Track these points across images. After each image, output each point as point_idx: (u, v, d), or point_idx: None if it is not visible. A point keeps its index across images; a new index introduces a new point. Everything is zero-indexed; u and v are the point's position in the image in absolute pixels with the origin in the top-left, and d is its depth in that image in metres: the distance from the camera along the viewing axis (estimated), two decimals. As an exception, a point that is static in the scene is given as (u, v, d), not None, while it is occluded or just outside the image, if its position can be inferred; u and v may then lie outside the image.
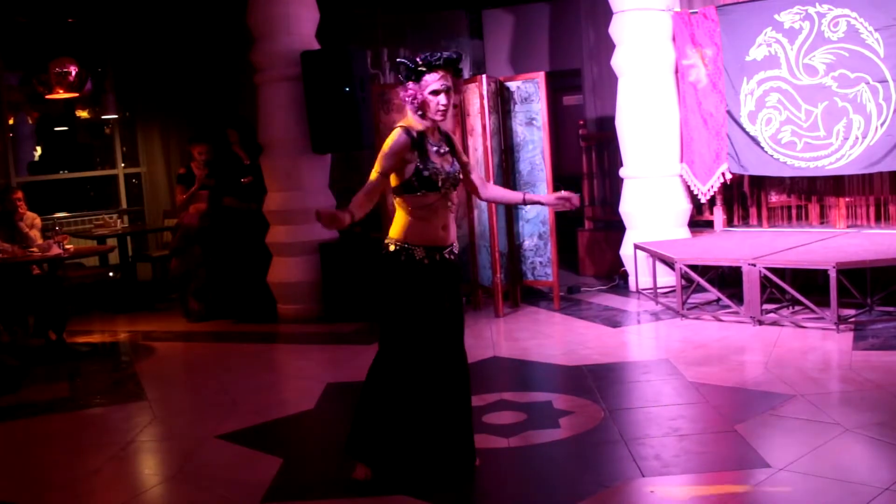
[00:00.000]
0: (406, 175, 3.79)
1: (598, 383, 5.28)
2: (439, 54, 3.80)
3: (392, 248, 3.85)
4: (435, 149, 3.85)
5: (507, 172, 7.71)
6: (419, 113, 3.82)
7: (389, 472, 3.95)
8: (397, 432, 3.91)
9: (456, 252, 3.98)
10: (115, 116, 10.77)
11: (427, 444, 3.94)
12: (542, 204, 4.32)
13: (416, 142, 3.79)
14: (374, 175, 3.77)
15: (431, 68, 3.77)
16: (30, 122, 11.24)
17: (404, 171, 3.79)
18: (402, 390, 3.88)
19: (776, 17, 7.22)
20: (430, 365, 3.88)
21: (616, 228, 8.57)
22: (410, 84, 3.79)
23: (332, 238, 7.81)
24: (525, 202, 4.35)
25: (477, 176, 4.20)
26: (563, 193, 4.05)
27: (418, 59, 3.79)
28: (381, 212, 7.37)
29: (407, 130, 3.80)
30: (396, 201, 3.87)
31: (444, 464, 3.95)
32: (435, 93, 3.77)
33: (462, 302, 4.10)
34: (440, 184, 3.81)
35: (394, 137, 3.78)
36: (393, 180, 3.82)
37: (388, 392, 3.88)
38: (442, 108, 3.79)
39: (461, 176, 3.97)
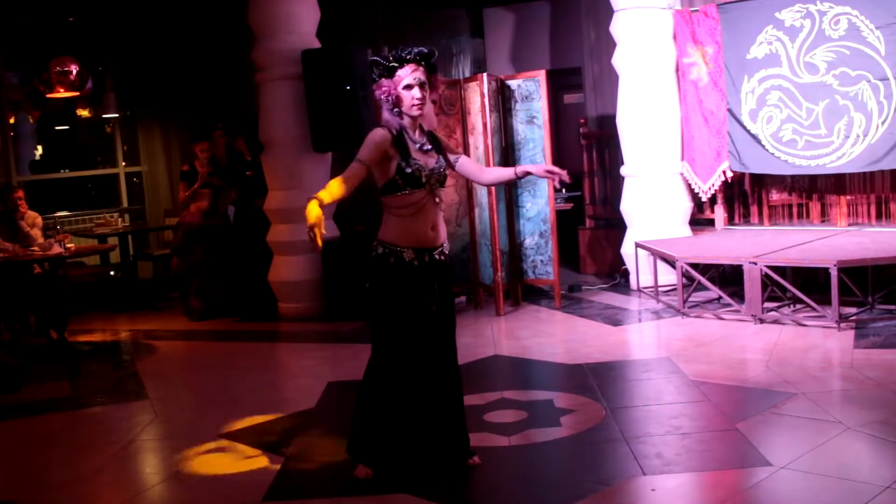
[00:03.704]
0: (390, 174, 3.76)
1: (599, 381, 5.28)
2: (410, 49, 3.78)
3: (381, 250, 3.82)
4: (417, 146, 3.82)
5: (508, 171, 7.70)
6: (395, 110, 3.80)
7: (390, 471, 3.95)
8: (394, 432, 3.91)
9: (447, 252, 3.94)
10: (116, 115, 10.78)
11: (421, 442, 3.95)
12: (532, 174, 4.13)
13: (397, 139, 3.77)
14: (353, 162, 3.72)
15: (403, 63, 3.75)
16: (31, 121, 11.26)
17: (388, 169, 3.75)
18: (395, 391, 3.87)
19: (777, 14, 7.21)
20: (421, 365, 3.88)
21: (617, 227, 8.57)
22: (384, 81, 3.78)
23: (334, 237, 7.80)
24: (517, 175, 4.10)
25: (474, 164, 4.22)
26: (554, 168, 3.99)
27: (389, 56, 3.77)
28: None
29: (387, 127, 3.79)
30: (383, 203, 3.84)
31: (439, 461, 3.97)
32: (408, 87, 3.76)
33: (454, 302, 4.05)
34: (424, 180, 3.78)
35: (374, 132, 3.78)
36: (378, 181, 3.80)
37: (383, 393, 3.88)
38: (416, 101, 3.77)
39: (447, 172, 3.92)
